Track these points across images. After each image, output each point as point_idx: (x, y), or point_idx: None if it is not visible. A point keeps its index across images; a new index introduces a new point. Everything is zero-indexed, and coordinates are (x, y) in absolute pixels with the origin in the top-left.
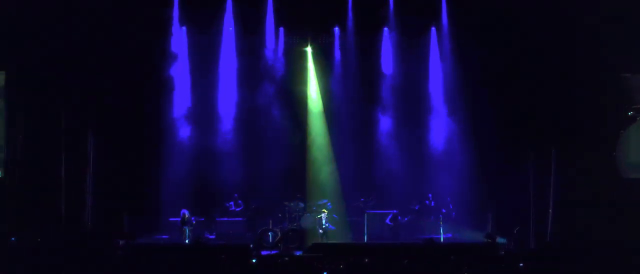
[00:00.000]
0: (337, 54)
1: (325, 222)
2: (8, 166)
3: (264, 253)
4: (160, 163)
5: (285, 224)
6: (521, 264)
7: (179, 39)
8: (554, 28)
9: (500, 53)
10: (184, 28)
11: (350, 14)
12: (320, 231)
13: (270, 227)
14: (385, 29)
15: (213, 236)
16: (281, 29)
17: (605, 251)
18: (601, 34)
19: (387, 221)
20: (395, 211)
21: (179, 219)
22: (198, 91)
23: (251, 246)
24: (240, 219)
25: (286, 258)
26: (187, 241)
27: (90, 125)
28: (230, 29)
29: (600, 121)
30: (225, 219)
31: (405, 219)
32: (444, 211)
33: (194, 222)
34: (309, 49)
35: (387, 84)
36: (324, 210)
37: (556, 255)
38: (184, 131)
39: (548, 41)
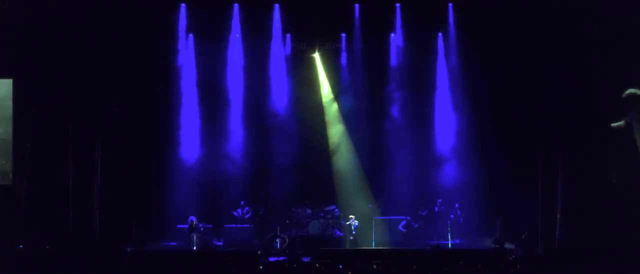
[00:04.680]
0: (345, 59)
1: (355, 229)
2: (16, 174)
3: (271, 259)
4: (167, 170)
5: (294, 230)
6: (530, 271)
7: (186, 46)
8: (561, 32)
9: (508, 58)
10: (190, 35)
11: (357, 20)
12: (351, 237)
13: (278, 233)
14: (392, 34)
15: (221, 243)
16: (288, 36)
17: (613, 256)
18: (604, 39)
19: (400, 227)
20: (408, 218)
21: (186, 226)
22: (205, 96)
23: (259, 252)
24: (248, 226)
25: (294, 265)
26: (194, 248)
27: (97, 132)
28: (237, 36)
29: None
30: (233, 226)
31: (416, 225)
32: (452, 216)
33: (202, 229)
34: (316, 55)
35: (394, 89)
36: (351, 216)
37: (564, 261)
38: (192, 138)
39: (555, 46)
